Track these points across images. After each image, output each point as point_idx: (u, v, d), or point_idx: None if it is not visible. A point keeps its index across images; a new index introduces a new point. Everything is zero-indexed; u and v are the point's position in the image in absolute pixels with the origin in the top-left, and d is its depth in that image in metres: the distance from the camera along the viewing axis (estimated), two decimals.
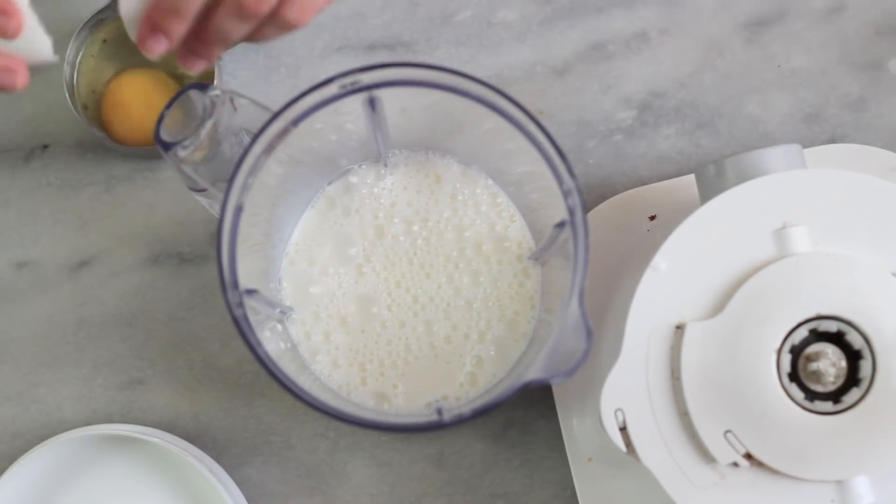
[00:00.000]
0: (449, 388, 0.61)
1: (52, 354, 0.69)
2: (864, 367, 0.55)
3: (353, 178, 0.63)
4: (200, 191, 0.58)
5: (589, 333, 0.52)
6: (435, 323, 0.61)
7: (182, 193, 0.68)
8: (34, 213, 0.70)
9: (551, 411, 0.67)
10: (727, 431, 0.55)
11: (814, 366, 0.55)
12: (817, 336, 0.56)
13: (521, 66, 0.70)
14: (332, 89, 0.54)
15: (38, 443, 0.65)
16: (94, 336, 0.68)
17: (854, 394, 0.55)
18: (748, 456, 0.55)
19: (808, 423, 0.55)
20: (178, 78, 0.68)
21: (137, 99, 0.67)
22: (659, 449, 0.56)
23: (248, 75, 0.70)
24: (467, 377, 0.61)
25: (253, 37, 0.57)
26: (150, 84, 0.67)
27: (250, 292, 0.55)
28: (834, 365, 0.55)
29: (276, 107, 0.55)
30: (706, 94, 0.70)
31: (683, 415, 0.56)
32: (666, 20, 0.71)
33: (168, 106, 0.56)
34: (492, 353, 0.61)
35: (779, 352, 0.55)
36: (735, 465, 0.56)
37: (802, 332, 0.56)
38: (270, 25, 0.56)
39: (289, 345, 0.61)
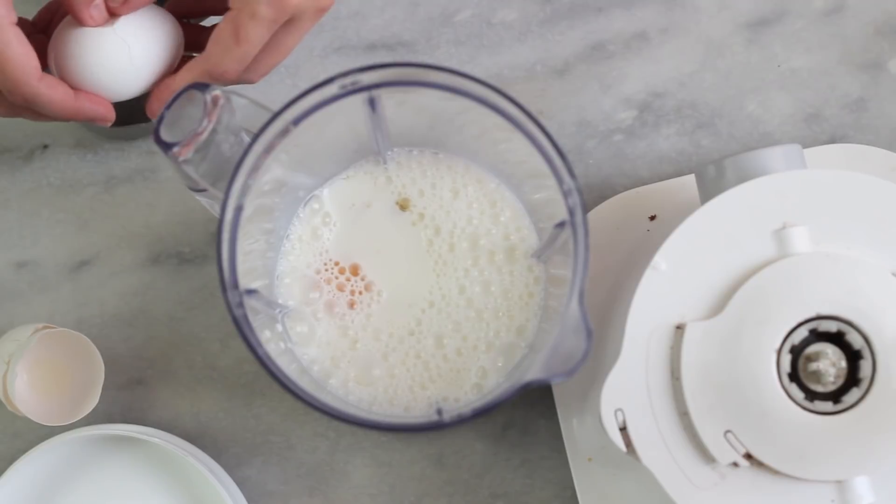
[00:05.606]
0: (450, 389, 0.61)
1: None
2: (864, 367, 0.55)
3: (352, 178, 0.63)
4: (200, 191, 0.58)
5: (589, 333, 0.52)
6: (436, 318, 0.61)
7: (182, 193, 0.68)
8: (34, 213, 0.70)
9: (551, 411, 0.67)
10: (727, 431, 0.55)
11: (814, 366, 0.55)
12: (817, 336, 0.56)
13: (521, 66, 0.70)
14: (332, 89, 0.54)
15: (38, 443, 0.65)
16: (94, 336, 0.68)
17: (854, 394, 0.55)
18: (748, 456, 0.55)
19: (808, 423, 0.55)
20: None
21: None
22: (659, 449, 0.56)
23: None
24: (478, 371, 0.61)
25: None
26: None
27: (250, 292, 0.55)
28: (834, 365, 0.55)
29: (276, 107, 0.55)
30: (706, 94, 0.70)
31: (683, 415, 0.56)
32: (666, 20, 0.70)
33: (168, 106, 0.56)
34: (497, 344, 0.61)
35: (779, 352, 0.55)
36: (735, 465, 0.56)
37: (802, 332, 0.56)
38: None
39: (289, 345, 0.61)
